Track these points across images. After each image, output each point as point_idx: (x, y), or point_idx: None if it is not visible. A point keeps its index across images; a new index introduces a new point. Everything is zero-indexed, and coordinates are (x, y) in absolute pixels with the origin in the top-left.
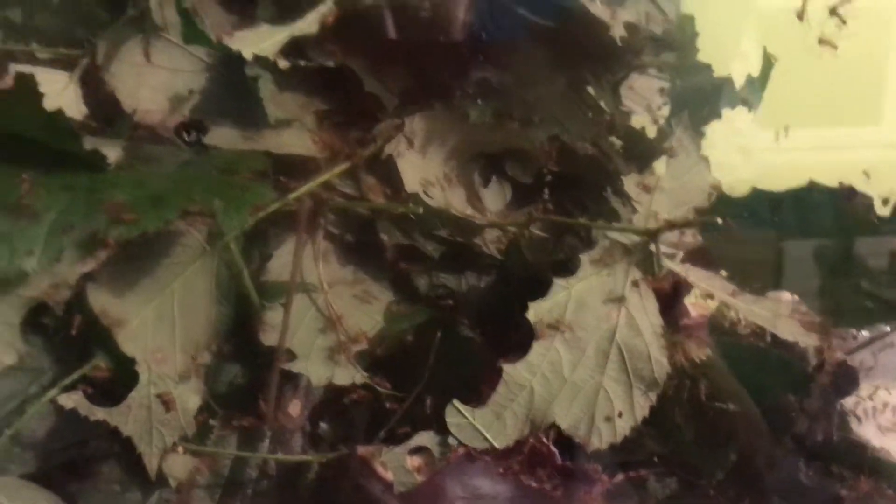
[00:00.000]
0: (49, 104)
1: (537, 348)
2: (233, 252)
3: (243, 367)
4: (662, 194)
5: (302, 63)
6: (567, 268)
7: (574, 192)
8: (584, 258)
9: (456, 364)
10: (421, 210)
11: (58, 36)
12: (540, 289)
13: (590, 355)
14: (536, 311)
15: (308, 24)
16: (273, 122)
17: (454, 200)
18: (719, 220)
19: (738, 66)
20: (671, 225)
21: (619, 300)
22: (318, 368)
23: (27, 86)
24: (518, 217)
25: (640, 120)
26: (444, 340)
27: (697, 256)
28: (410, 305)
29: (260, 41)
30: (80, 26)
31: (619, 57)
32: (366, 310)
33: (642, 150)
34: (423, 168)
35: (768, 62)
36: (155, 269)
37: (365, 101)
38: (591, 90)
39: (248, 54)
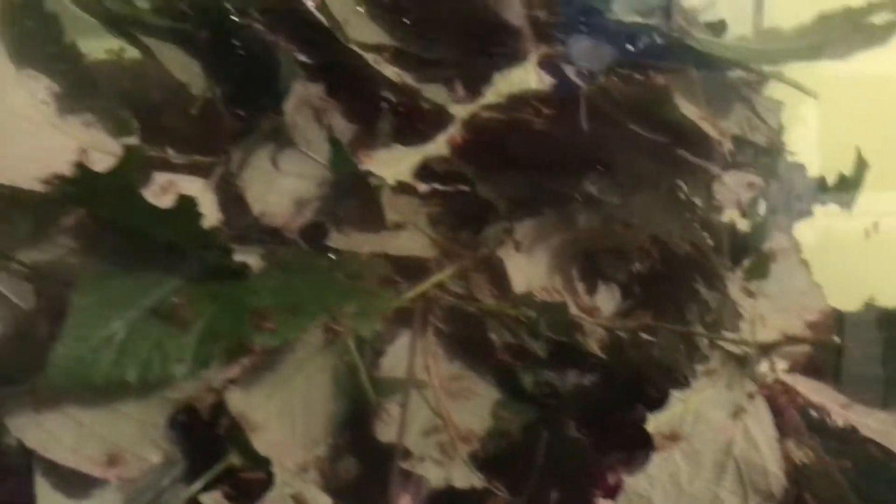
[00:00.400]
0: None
1: (657, 460)
2: (350, 349)
3: (356, 462)
4: (766, 298)
5: (438, 187)
6: (669, 368)
7: (668, 288)
8: (699, 369)
9: (563, 463)
10: (533, 313)
11: (191, 143)
12: (643, 389)
13: (707, 467)
14: (655, 424)
15: (438, 146)
16: (389, 226)
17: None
18: (836, 339)
19: (798, 131)
20: (789, 340)
21: (736, 413)
22: (435, 469)
23: (188, 206)
24: (627, 322)
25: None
26: (550, 440)
27: (806, 367)
28: (517, 404)
29: (396, 164)
30: (215, 136)
31: (722, 164)
32: (472, 407)
33: (735, 247)
34: (528, 270)
35: (862, 163)
36: (279, 365)
37: (476, 205)
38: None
39: (390, 180)
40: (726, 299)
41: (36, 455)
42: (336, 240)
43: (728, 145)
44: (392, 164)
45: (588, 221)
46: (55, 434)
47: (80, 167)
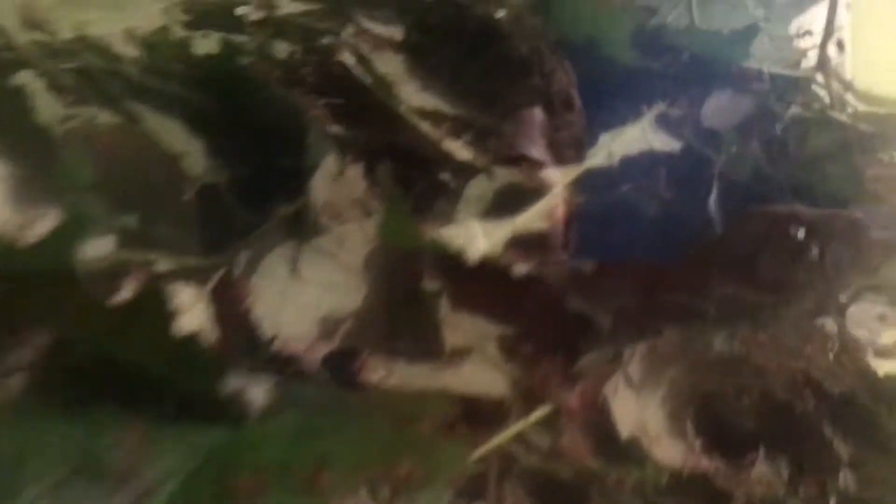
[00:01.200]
0: (177, 326)
1: None
2: None
3: None
4: None
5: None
6: None
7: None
8: None
9: None
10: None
11: (183, 240)
12: None
13: None
14: None
15: (531, 217)
16: (448, 352)
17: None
18: None
19: None
20: None
21: None
22: None
23: (153, 300)
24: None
25: None
26: None
27: None
28: None
29: (479, 237)
30: (216, 230)
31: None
32: None
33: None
34: (641, 413)
35: None
36: None
37: (566, 324)
38: None
39: (475, 252)
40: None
41: None
42: (375, 372)
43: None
44: (472, 236)
45: (727, 343)
46: None
47: None
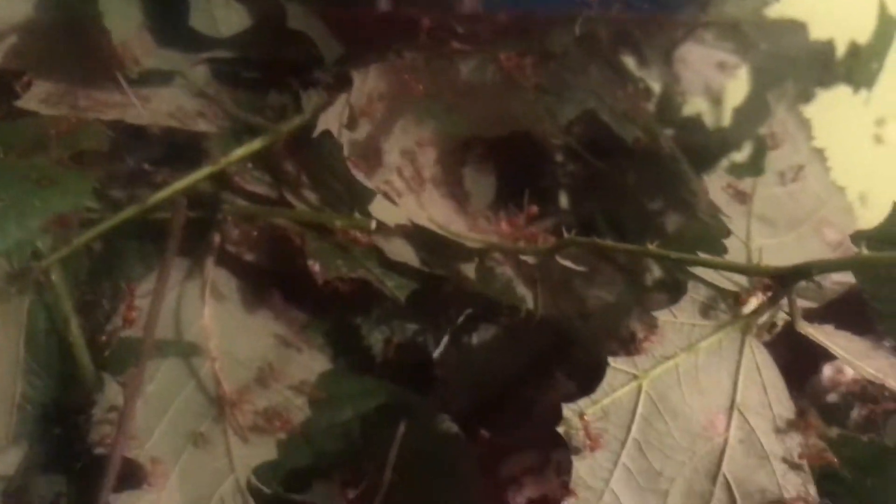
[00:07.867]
0: None
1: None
2: (55, 287)
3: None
4: (765, 203)
5: None
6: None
7: (608, 198)
8: (664, 317)
9: (428, 465)
10: (374, 224)
11: None
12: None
13: (680, 490)
14: (573, 415)
15: None
16: (132, 73)
17: (431, 206)
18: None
19: None
20: (812, 268)
21: (729, 399)
22: None
23: None
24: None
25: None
26: (409, 433)
27: (838, 310)
28: (357, 377)
29: None
30: None
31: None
32: (284, 383)
33: (704, 144)
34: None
35: (888, 22)
36: None
37: (287, 45)
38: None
39: None
40: (699, 206)
41: None
42: (38, 96)
43: None
44: None
45: (479, 72)
46: None
47: None
